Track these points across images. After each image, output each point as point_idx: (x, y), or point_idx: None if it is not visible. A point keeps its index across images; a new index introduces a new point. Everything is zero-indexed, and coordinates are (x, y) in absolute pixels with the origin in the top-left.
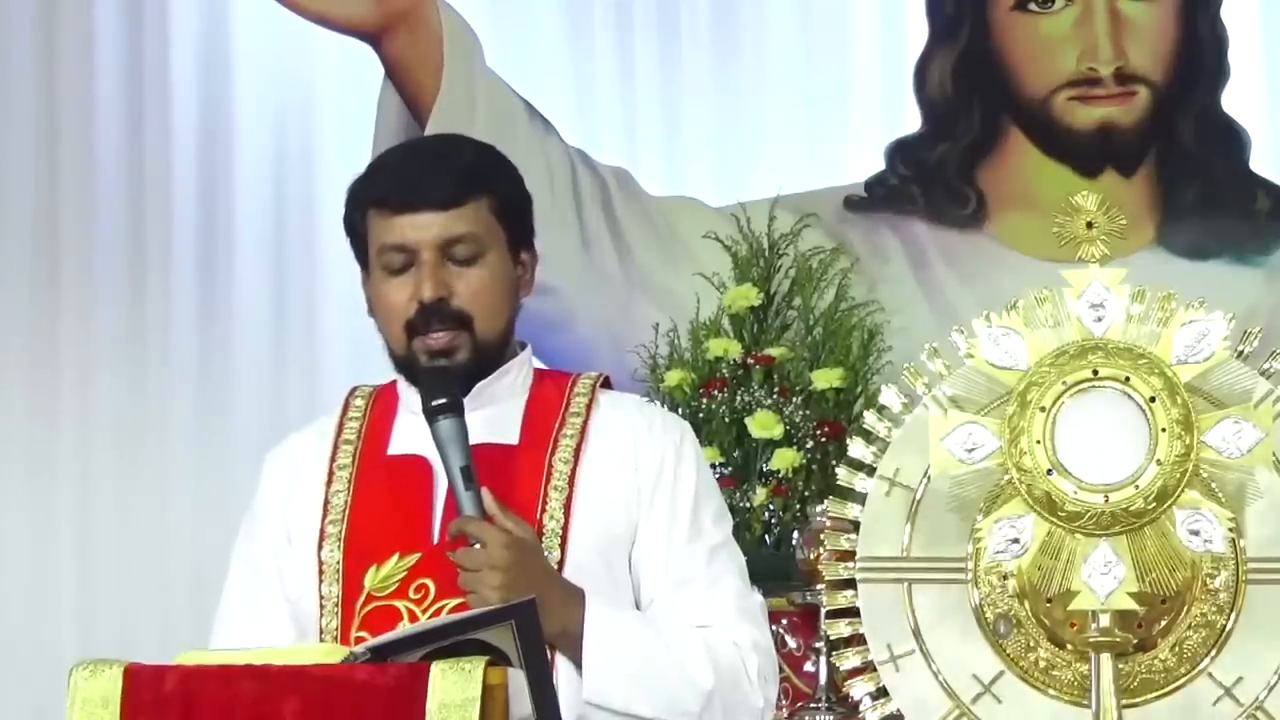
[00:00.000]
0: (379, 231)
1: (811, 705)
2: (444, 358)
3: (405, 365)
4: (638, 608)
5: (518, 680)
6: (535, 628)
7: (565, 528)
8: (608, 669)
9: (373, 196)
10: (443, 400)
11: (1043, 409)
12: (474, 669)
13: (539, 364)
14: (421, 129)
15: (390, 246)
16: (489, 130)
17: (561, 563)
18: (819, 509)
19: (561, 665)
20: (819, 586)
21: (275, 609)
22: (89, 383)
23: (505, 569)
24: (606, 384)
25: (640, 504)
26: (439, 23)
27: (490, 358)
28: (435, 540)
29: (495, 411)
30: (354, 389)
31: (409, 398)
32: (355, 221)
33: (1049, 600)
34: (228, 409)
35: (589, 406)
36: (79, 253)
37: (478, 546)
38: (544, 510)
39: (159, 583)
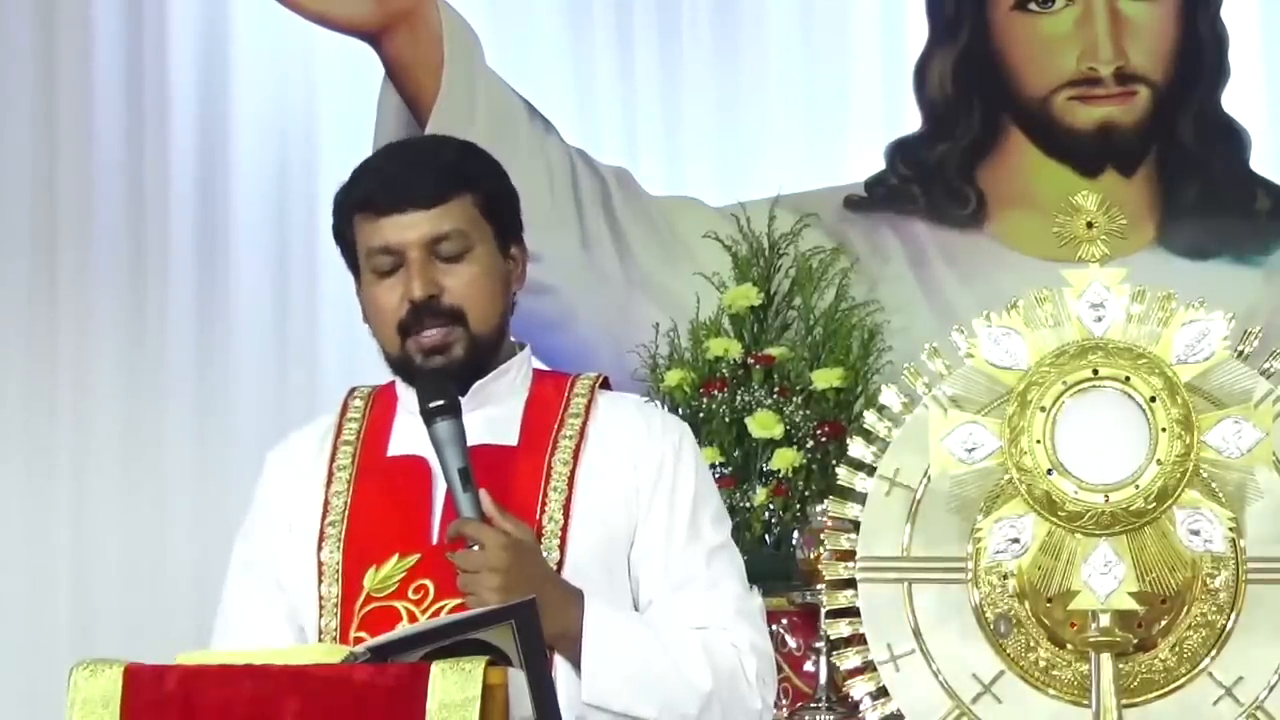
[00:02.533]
0: (365, 236)
1: (811, 705)
2: (439, 355)
3: (401, 367)
4: (636, 609)
5: (518, 680)
6: (535, 627)
7: (564, 529)
8: (606, 671)
9: (356, 201)
10: (440, 402)
11: (1043, 409)
12: (474, 669)
13: (538, 364)
14: (421, 129)
15: (377, 249)
16: (489, 130)
17: (561, 564)
18: (819, 509)
19: (560, 666)
20: (819, 586)
21: (274, 608)
22: (87, 382)
23: (504, 571)
24: (605, 384)
25: (639, 505)
26: (439, 22)
27: (486, 353)
28: (435, 541)
29: (494, 412)
30: (352, 389)
31: (407, 398)
32: (343, 229)
33: (1049, 600)
34: (227, 409)
35: (588, 407)
36: (77, 252)
37: (476, 548)
38: (543, 511)
39: (158, 582)
